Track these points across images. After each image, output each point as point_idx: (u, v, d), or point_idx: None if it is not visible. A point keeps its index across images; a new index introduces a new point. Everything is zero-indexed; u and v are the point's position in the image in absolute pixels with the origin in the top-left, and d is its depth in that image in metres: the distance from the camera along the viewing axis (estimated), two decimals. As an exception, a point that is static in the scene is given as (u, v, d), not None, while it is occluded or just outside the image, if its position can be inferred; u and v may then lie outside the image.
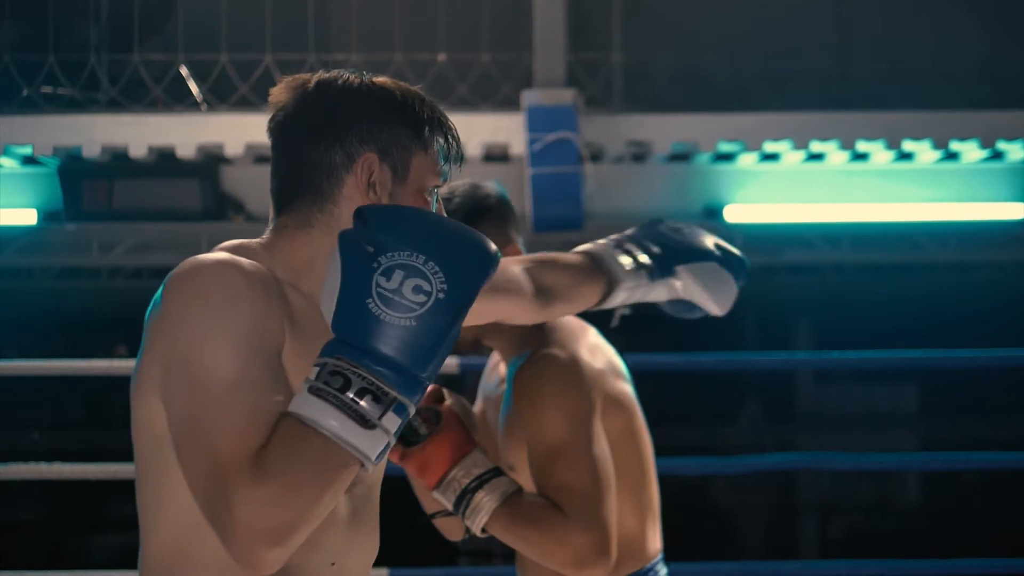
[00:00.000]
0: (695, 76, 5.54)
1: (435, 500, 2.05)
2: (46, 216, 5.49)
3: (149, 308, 1.46)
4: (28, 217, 5.51)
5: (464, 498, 1.99)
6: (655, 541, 2.18)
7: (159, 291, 1.45)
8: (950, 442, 6.53)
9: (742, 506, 6.88)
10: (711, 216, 5.57)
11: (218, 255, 1.44)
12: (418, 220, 1.38)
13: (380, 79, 1.54)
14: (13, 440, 6.42)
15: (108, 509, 6.74)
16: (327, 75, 1.52)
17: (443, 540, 2.18)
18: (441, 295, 1.34)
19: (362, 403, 1.32)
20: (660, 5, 5.67)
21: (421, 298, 1.34)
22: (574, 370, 2.07)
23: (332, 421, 1.32)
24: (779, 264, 5.87)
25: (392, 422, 1.34)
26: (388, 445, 1.35)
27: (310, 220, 1.49)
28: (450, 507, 2.00)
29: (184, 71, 5.35)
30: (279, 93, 1.51)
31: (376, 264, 1.34)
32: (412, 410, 1.35)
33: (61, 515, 6.79)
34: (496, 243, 1.87)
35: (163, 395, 1.40)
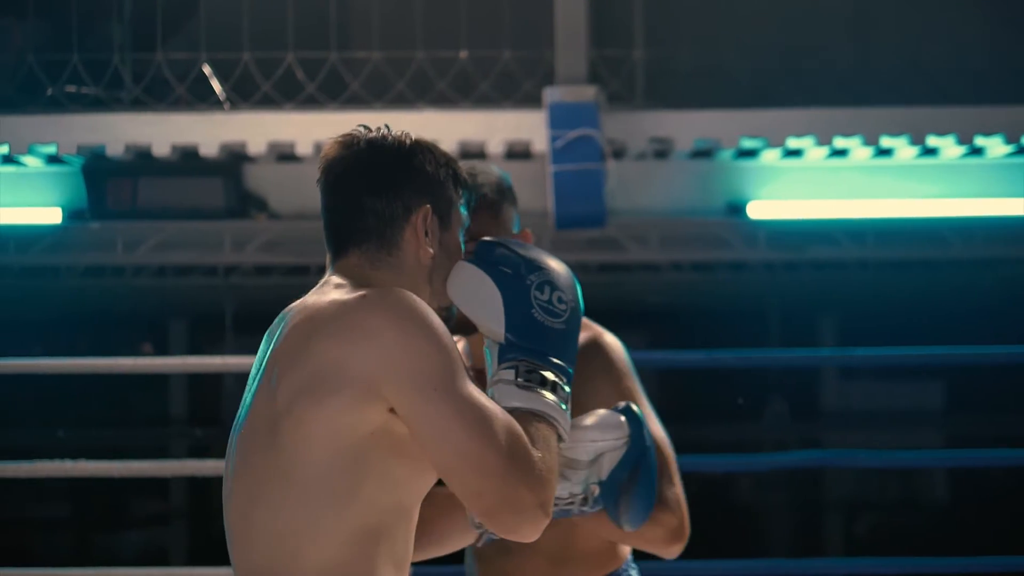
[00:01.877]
0: (717, 72, 5.52)
1: None
2: (71, 215, 5.51)
3: (287, 333, 1.61)
4: (53, 216, 5.53)
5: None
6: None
7: (322, 316, 1.60)
8: (976, 439, 6.49)
9: (767, 503, 6.86)
10: (734, 213, 5.56)
11: (387, 289, 1.62)
12: (534, 249, 1.72)
13: (418, 138, 1.73)
14: (39, 437, 6.45)
15: (133, 506, 6.76)
16: (375, 134, 1.72)
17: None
18: (572, 303, 1.69)
19: (556, 394, 1.64)
20: (682, 1, 5.66)
21: (563, 307, 1.68)
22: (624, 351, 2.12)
23: (549, 410, 1.63)
24: (803, 261, 5.85)
25: (568, 406, 1.66)
26: None
27: (379, 260, 1.68)
28: None
29: (207, 70, 5.37)
30: (332, 150, 1.71)
31: (529, 282, 1.67)
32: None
33: (86, 512, 6.82)
34: (517, 225, 2.07)
35: (412, 411, 1.57)
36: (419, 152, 1.71)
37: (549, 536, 1.98)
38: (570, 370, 1.66)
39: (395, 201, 1.68)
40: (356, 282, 1.65)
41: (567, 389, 1.65)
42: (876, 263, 5.91)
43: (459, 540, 1.94)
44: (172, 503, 6.60)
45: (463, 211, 1.75)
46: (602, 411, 1.85)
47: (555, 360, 1.65)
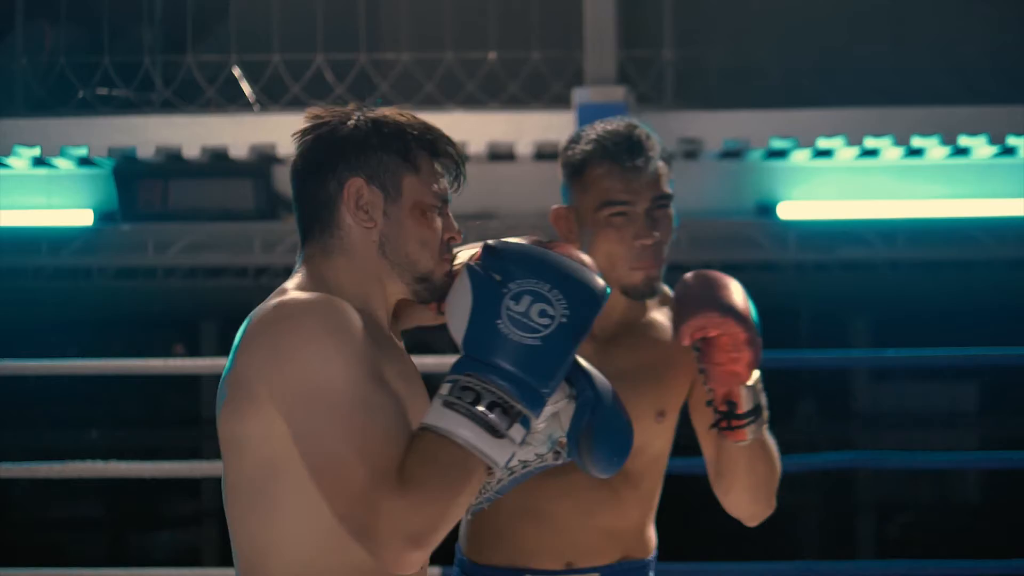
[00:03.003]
0: (747, 72, 5.50)
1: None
2: (102, 216, 5.55)
3: (238, 342, 1.56)
4: (84, 218, 5.56)
5: (761, 403, 1.98)
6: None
7: (249, 327, 1.56)
8: (1010, 440, 6.45)
9: (798, 505, 6.83)
10: (764, 213, 5.53)
11: (309, 294, 1.56)
12: (541, 254, 1.54)
13: (381, 112, 1.66)
14: (72, 438, 6.49)
15: (165, 506, 6.80)
16: (330, 117, 1.65)
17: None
18: (564, 319, 1.50)
19: (492, 415, 1.47)
20: (711, 1, 5.64)
21: (546, 321, 1.50)
22: None
23: (466, 432, 1.46)
24: (833, 261, 5.82)
25: (518, 432, 1.49)
26: (514, 454, 1.49)
27: (330, 247, 1.63)
28: (749, 405, 1.96)
29: (237, 72, 5.39)
30: (294, 138, 1.66)
31: (506, 290, 1.51)
32: (535, 423, 1.50)
33: (119, 512, 6.86)
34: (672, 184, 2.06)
35: (290, 423, 1.50)
36: (357, 127, 1.63)
37: (608, 510, 2.04)
38: (539, 392, 1.49)
39: (330, 180, 1.61)
40: (305, 279, 1.61)
41: (524, 411, 1.48)
42: (907, 263, 5.88)
43: (723, 453, 1.89)
44: (204, 503, 6.63)
45: (439, 182, 1.64)
46: None
47: (517, 377, 1.48)
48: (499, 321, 1.49)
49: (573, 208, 2.06)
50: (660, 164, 2.04)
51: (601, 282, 1.55)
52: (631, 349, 2.10)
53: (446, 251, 1.64)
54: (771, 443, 2.04)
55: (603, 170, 2.03)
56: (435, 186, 1.64)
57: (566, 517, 2.04)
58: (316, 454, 1.48)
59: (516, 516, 2.05)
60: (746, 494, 2.05)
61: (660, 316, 2.16)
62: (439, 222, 1.64)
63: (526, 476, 1.72)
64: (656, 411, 2.06)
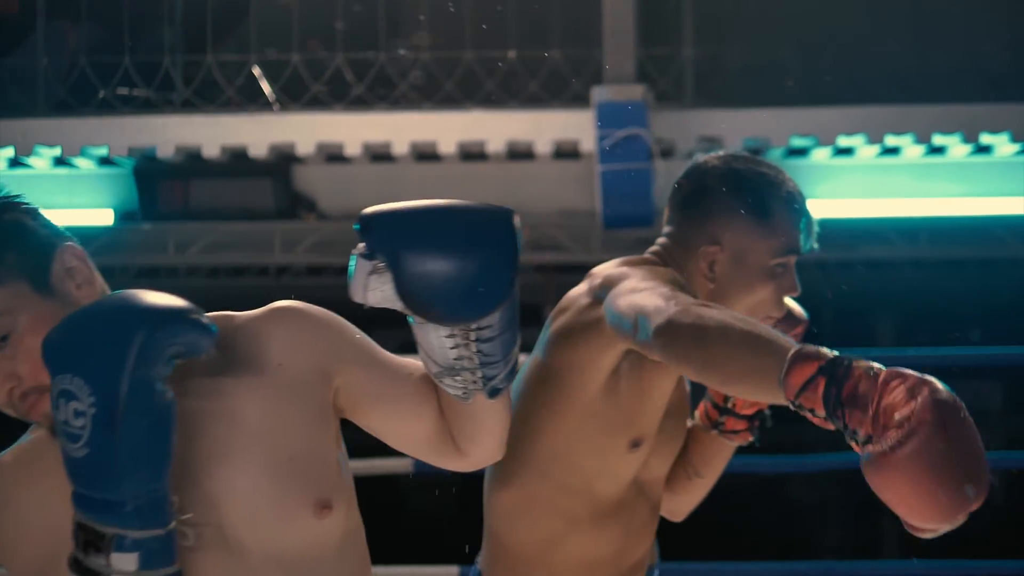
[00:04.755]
0: (767, 70, 5.48)
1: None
2: (122, 216, 5.56)
3: None
4: (105, 217, 5.58)
5: None
6: None
7: None
8: (1033, 440, 6.41)
9: (820, 504, 6.81)
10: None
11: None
12: (62, 336, 1.24)
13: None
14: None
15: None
16: None
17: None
18: (93, 409, 1.20)
19: (89, 558, 1.23)
20: (732, -1, 5.63)
21: (81, 421, 1.20)
22: None
23: None
24: (855, 260, 5.80)
25: (125, 561, 1.22)
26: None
27: None
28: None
29: (256, 71, 5.40)
30: None
31: (52, 401, 1.22)
32: (150, 532, 1.23)
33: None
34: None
35: None
36: None
37: (650, 536, 2.07)
38: (119, 503, 1.22)
39: None
40: None
41: (107, 541, 1.22)
42: (929, 262, 5.85)
43: (715, 455, 1.99)
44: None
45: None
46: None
47: (88, 499, 1.22)
48: (64, 442, 1.21)
49: (727, 248, 1.97)
50: None
51: (137, 317, 1.27)
52: None
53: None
54: None
55: (793, 220, 2.02)
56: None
57: (627, 554, 2.05)
58: None
59: (585, 567, 2.01)
60: (709, 487, 2.17)
61: None
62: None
63: (495, 343, 1.35)
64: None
